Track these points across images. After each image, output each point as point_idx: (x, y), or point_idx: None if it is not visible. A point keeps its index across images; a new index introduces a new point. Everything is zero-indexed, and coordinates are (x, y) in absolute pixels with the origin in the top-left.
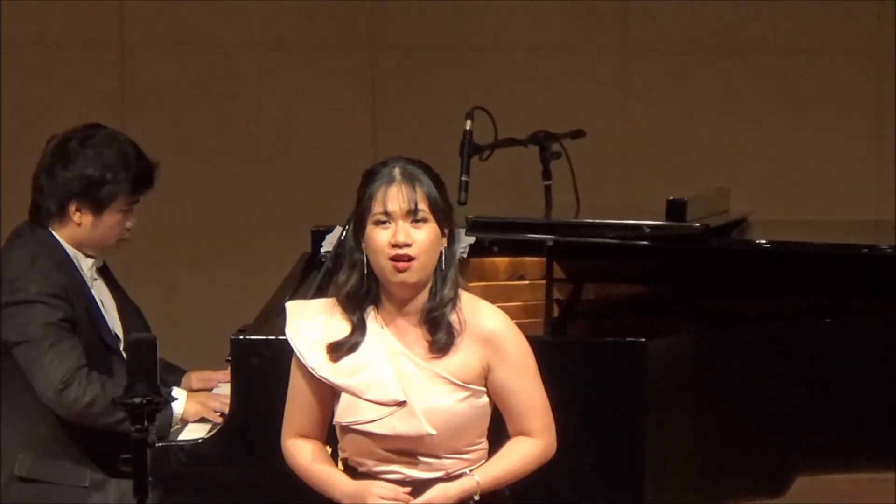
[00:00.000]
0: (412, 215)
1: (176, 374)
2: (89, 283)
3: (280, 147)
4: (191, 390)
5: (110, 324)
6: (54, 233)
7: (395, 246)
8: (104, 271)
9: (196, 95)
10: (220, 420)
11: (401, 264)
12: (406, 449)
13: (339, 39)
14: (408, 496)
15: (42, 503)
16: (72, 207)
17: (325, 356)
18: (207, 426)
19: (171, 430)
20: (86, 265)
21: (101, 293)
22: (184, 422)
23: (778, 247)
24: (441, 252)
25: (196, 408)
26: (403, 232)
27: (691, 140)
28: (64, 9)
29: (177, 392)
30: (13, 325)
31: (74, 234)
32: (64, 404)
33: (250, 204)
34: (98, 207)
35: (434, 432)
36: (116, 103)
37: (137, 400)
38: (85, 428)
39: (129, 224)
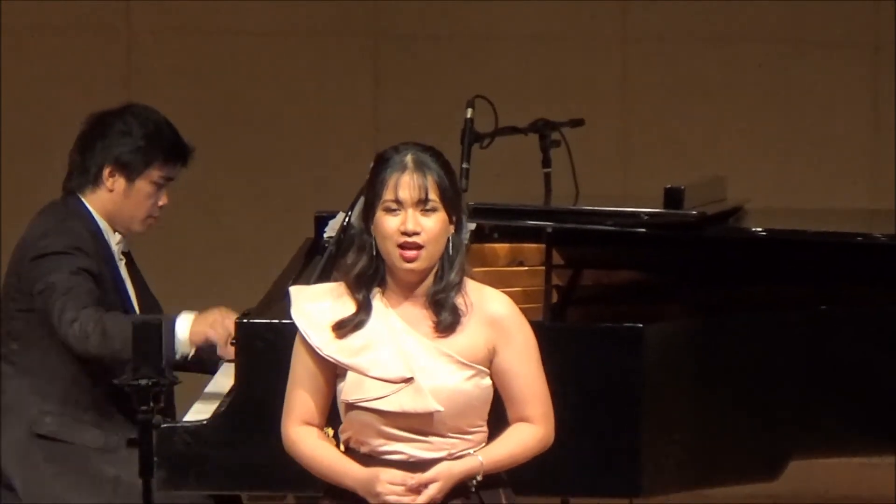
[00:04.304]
0: (422, 204)
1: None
2: (116, 258)
3: (283, 134)
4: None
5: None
6: (86, 202)
7: (404, 233)
8: (129, 261)
9: (200, 82)
10: (230, 350)
11: (408, 253)
12: (411, 427)
13: (341, 27)
14: (414, 478)
15: (58, 460)
16: (106, 171)
17: (330, 335)
18: (213, 407)
19: (179, 356)
20: (114, 240)
21: (125, 277)
22: (192, 344)
23: (774, 235)
24: (448, 238)
25: (202, 328)
26: (413, 220)
27: (689, 129)
28: None
29: (181, 319)
30: (39, 274)
31: (106, 201)
32: (69, 340)
33: (254, 190)
34: (131, 174)
35: (441, 409)
36: (122, 88)
37: (143, 382)
38: (98, 389)
39: (160, 202)
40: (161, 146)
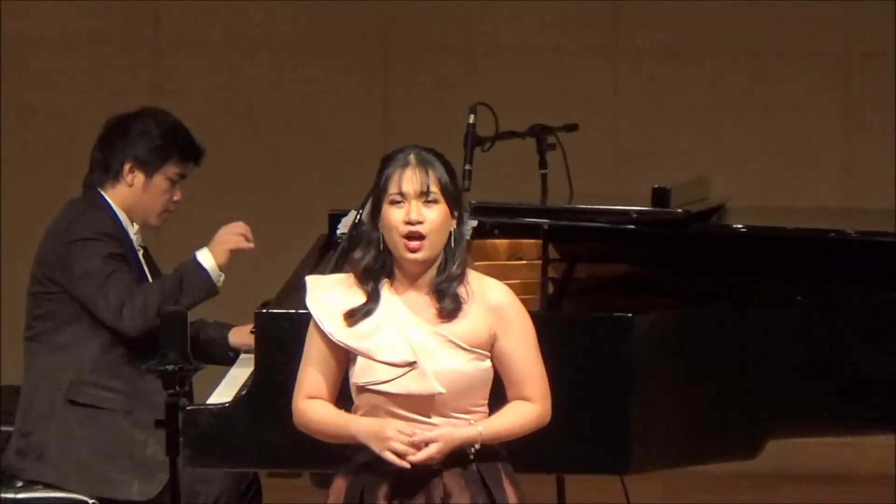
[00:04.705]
0: (424, 196)
1: (223, 329)
2: (135, 248)
3: (300, 138)
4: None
5: None
6: (106, 196)
7: (408, 223)
8: (145, 253)
9: (223, 89)
10: (249, 243)
11: (413, 243)
12: (417, 407)
13: (354, 39)
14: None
15: (91, 424)
16: (126, 167)
17: (341, 322)
18: (234, 391)
19: (220, 283)
20: (132, 230)
21: (144, 266)
22: (222, 267)
23: (753, 231)
24: (450, 232)
25: (220, 248)
26: (416, 210)
27: (675, 133)
28: (101, 8)
29: (199, 253)
30: (74, 259)
31: (126, 195)
32: (125, 327)
33: (272, 189)
34: (150, 170)
35: (444, 391)
36: (151, 96)
37: (170, 367)
38: (124, 359)
39: (175, 197)
40: (176, 145)
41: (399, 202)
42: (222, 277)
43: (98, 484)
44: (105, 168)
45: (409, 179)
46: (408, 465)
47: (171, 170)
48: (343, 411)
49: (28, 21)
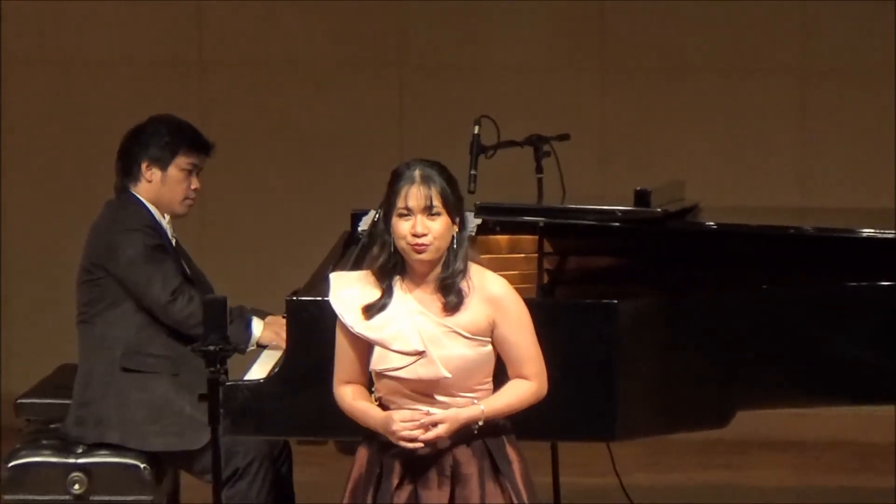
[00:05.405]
0: (428, 210)
1: (260, 313)
2: (170, 237)
3: (326, 146)
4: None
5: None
6: (136, 194)
7: (414, 235)
8: (178, 244)
9: (259, 105)
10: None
11: (418, 248)
12: (427, 389)
13: (373, 61)
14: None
15: (143, 389)
16: (144, 166)
17: (360, 315)
18: (269, 366)
19: (248, 350)
20: (164, 222)
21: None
22: (259, 346)
23: (723, 228)
24: (453, 235)
25: (270, 335)
26: (421, 224)
27: (655, 141)
28: (152, 33)
29: (256, 322)
30: (122, 247)
31: (149, 191)
32: (171, 315)
33: (302, 191)
34: (164, 164)
35: (449, 375)
36: (196, 111)
37: (212, 348)
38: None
39: (193, 186)
40: (183, 139)
41: (406, 215)
42: (251, 349)
43: (153, 439)
44: (127, 172)
45: (414, 196)
46: (420, 446)
47: (183, 161)
48: (366, 404)
49: (87, 44)
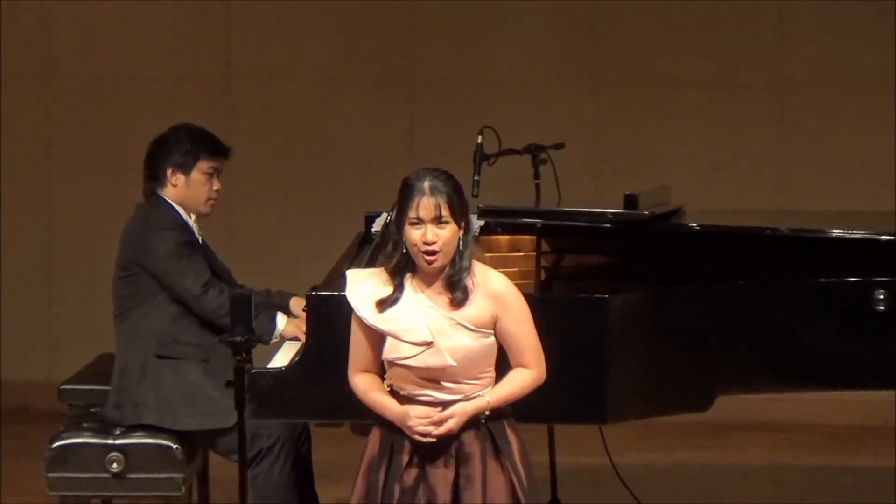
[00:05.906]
0: (437, 220)
1: (284, 297)
2: (197, 235)
3: (342, 154)
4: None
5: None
6: (162, 195)
7: (425, 243)
8: (204, 242)
9: (281, 118)
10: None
11: (429, 258)
12: (435, 377)
13: (386, 76)
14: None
15: (176, 374)
16: (169, 171)
17: (374, 309)
18: (290, 356)
19: (271, 341)
20: (191, 221)
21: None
22: (282, 337)
23: (705, 228)
24: (459, 238)
25: (293, 329)
26: (431, 232)
27: (643, 150)
28: (183, 51)
29: (280, 317)
30: (157, 243)
31: (175, 194)
32: (202, 306)
33: (320, 196)
34: (186, 169)
35: (455, 364)
36: (223, 122)
37: (238, 339)
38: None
39: (214, 187)
40: (204, 145)
41: (417, 224)
42: (274, 341)
43: (186, 420)
44: (154, 177)
45: (424, 207)
46: (434, 440)
47: (204, 165)
48: (382, 395)
49: (123, 62)
